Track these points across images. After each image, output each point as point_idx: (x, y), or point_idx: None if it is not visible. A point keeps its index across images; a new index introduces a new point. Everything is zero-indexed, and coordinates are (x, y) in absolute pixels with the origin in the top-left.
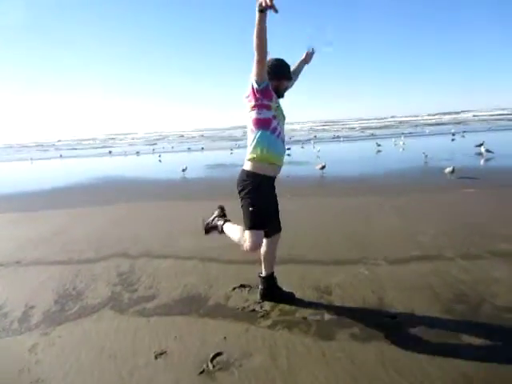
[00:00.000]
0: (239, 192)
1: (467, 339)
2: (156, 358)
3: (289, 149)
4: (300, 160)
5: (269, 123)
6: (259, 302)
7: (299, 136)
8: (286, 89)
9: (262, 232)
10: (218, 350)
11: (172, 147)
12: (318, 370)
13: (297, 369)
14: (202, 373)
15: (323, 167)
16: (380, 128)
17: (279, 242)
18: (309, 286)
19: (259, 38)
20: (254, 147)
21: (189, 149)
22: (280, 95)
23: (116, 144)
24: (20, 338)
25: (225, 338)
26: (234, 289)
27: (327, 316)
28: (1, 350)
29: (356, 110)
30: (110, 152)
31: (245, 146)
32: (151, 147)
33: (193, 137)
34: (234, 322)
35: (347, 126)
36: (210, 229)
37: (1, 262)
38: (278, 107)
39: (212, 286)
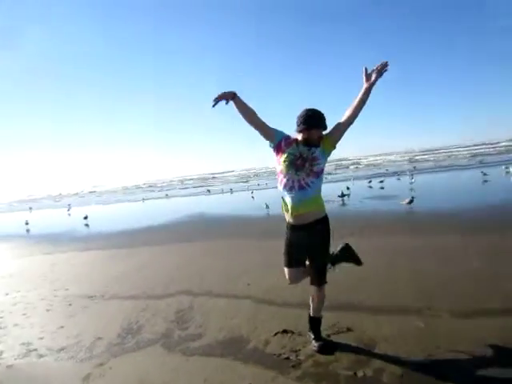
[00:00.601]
0: None
1: None
2: None
3: (382, 181)
4: (390, 194)
5: (279, 179)
6: (296, 351)
7: (396, 167)
8: (321, 137)
9: (292, 269)
10: None
11: (266, 184)
12: None
13: None
14: None
15: (411, 201)
16: (492, 154)
17: (341, 286)
18: (355, 336)
19: (243, 117)
20: None
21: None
22: (314, 145)
23: (214, 182)
24: (79, 365)
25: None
26: (276, 334)
27: (361, 373)
28: (61, 375)
29: (465, 133)
30: (209, 191)
31: None
32: (245, 184)
33: None
34: (265, 369)
35: (453, 153)
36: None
37: (89, 295)
38: (288, 157)
39: (257, 328)
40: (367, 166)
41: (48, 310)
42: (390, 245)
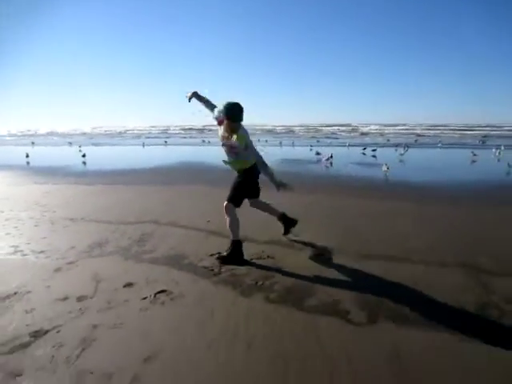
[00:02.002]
0: None
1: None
2: (124, 286)
3: (374, 150)
4: (376, 162)
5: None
6: (220, 266)
7: (401, 139)
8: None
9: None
10: (165, 289)
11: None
12: (223, 314)
13: (212, 312)
14: (144, 298)
15: (387, 169)
16: (504, 137)
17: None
18: (272, 262)
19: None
20: None
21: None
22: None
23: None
24: (54, 262)
25: (177, 282)
26: (212, 255)
27: (260, 283)
28: (38, 267)
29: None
30: (203, 141)
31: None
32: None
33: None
34: (193, 275)
35: (464, 131)
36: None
37: (72, 218)
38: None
39: (198, 251)
40: (371, 134)
41: (35, 226)
42: (345, 204)
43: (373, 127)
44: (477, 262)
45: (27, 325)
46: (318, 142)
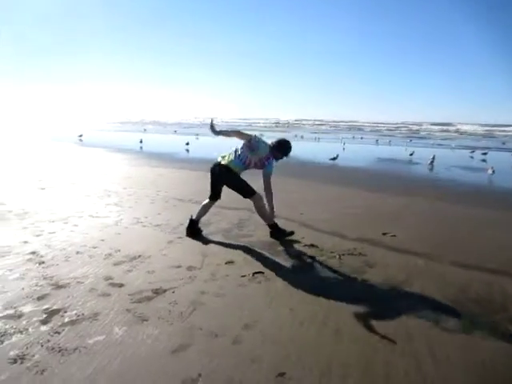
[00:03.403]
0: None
1: None
2: (226, 263)
3: (485, 153)
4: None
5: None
6: (312, 257)
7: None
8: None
9: None
10: (262, 270)
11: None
12: (313, 302)
13: (304, 298)
14: (243, 276)
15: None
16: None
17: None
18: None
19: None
20: None
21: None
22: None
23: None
24: (167, 235)
25: (273, 267)
26: (305, 245)
27: (358, 279)
28: (155, 237)
29: None
30: (296, 136)
31: None
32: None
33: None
34: (285, 261)
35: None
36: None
37: (180, 198)
38: None
39: (292, 240)
40: (476, 135)
41: (151, 203)
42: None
43: (477, 127)
44: None
45: (149, 282)
46: (410, 141)
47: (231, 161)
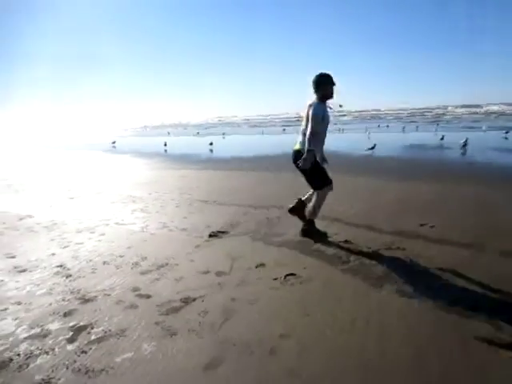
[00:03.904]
0: None
1: None
2: (256, 266)
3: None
4: None
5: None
6: (349, 254)
7: None
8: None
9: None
10: (294, 272)
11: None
12: (352, 303)
13: (341, 299)
14: (275, 279)
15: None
16: None
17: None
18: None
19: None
20: None
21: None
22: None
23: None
24: (194, 239)
25: (305, 267)
26: (340, 242)
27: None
28: (182, 242)
29: None
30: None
31: None
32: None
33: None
34: (320, 260)
35: None
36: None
37: (205, 200)
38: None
39: (327, 237)
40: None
41: (176, 206)
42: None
43: (505, 107)
44: None
45: (177, 292)
46: (437, 125)
47: (299, 142)
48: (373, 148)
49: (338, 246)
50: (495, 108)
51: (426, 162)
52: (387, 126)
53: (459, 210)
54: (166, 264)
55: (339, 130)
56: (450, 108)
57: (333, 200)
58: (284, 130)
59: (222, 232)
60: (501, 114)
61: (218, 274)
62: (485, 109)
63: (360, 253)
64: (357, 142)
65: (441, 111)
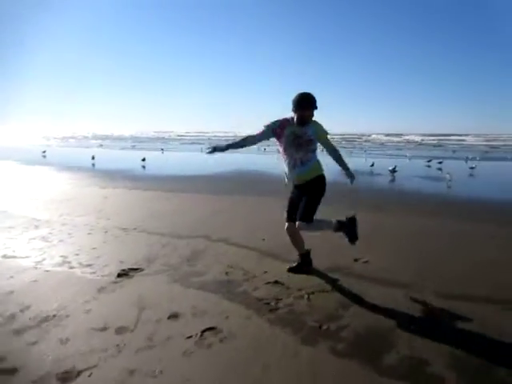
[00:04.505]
0: None
1: None
2: (168, 317)
3: (440, 162)
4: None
5: (283, 159)
6: (278, 299)
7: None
8: (311, 116)
9: (289, 223)
10: (214, 326)
11: None
12: (281, 368)
13: (269, 364)
14: (189, 337)
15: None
16: None
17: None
18: (335, 297)
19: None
20: None
21: None
22: (306, 123)
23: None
24: (99, 279)
25: (227, 317)
26: (268, 283)
27: (325, 326)
28: (82, 283)
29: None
30: (264, 149)
31: None
32: None
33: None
34: (245, 308)
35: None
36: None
37: (124, 227)
38: (287, 138)
39: (254, 277)
40: (426, 144)
41: (88, 234)
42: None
43: (423, 137)
44: None
45: (59, 359)
46: (365, 151)
47: (308, 170)
48: (372, 165)
49: (266, 288)
50: (415, 138)
51: (360, 189)
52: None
53: (392, 240)
54: (53, 316)
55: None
56: (373, 136)
57: (263, 228)
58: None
59: (135, 269)
60: (419, 143)
61: (119, 330)
62: (405, 138)
63: (290, 296)
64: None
65: (365, 138)
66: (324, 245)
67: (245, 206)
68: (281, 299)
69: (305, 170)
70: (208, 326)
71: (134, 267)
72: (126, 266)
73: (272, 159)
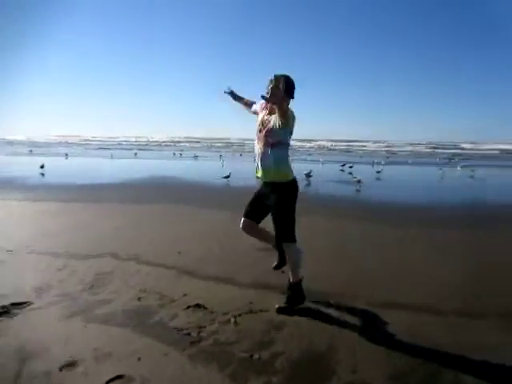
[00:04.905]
0: None
1: None
2: (61, 368)
3: (351, 166)
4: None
5: None
6: (201, 327)
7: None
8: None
9: (246, 220)
10: (122, 373)
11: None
12: None
13: None
14: None
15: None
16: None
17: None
18: (267, 317)
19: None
20: None
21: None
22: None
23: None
24: None
25: (139, 358)
26: (188, 307)
27: (256, 356)
28: None
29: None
30: (181, 155)
31: None
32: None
33: None
34: (161, 343)
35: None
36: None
37: (10, 249)
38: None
39: (172, 301)
40: (340, 151)
41: None
42: None
43: (333, 143)
44: None
45: None
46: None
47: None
48: (228, 177)
49: (186, 314)
50: (325, 143)
51: None
52: (240, 155)
53: (324, 251)
54: None
55: (194, 156)
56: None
57: (181, 241)
58: (136, 154)
59: (20, 304)
60: (329, 149)
61: None
62: (316, 143)
63: (215, 322)
64: (209, 169)
65: None
66: (247, 258)
67: (157, 215)
68: (204, 327)
69: (263, 166)
70: (114, 375)
71: (19, 301)
72: (7, 301)
73: (188, 165)
